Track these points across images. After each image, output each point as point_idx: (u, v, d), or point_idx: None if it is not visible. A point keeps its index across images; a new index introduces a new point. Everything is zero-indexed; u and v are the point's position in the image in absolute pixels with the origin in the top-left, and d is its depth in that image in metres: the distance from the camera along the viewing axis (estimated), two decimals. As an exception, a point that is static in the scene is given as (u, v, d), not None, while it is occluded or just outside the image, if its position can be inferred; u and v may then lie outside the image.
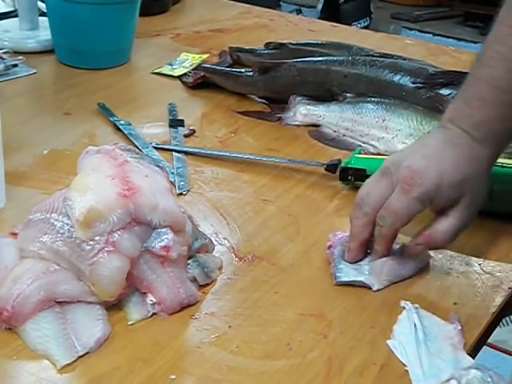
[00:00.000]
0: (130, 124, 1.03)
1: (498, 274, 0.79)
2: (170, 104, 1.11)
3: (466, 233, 0.77)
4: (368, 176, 0.91)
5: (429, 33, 3.21)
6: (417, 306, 0.71)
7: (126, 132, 1.01)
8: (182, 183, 0.90)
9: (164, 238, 0.68)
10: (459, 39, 3.13)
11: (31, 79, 1.18)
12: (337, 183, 0.93)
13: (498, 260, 0.81)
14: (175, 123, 1.06)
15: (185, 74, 1.21)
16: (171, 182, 0.88)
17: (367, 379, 0.64)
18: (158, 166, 0.76)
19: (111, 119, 1.04)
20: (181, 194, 0.88)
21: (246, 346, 0.66)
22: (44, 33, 1.28)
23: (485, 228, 0.85)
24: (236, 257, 0.78)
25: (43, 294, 0.65)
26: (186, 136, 1.03)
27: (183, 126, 1.05)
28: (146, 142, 0.99)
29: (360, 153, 0.95)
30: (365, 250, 0.77)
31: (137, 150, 0.80)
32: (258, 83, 1.14)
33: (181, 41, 1.39)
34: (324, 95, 1.10)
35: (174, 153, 0.97)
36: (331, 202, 0.90)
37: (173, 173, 0.92)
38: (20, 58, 1.20)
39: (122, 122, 1.03)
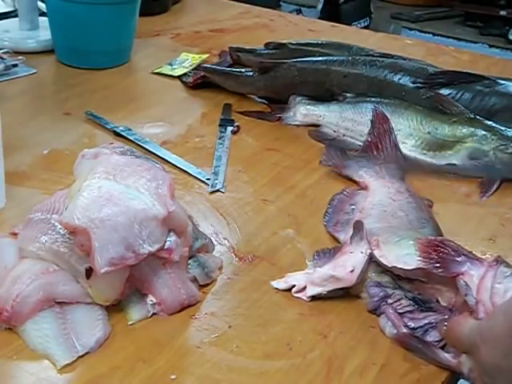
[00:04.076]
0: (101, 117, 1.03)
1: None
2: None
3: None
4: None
5: (429, 33, 3.20)
6: None
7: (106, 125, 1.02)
8: (216, 181, 0.91)
9: (167, 240, 0.68)
10: (459, 39, 3.12)
11: (31, 79, 1.18)
12: (337, 183, 0.93)
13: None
14: (225, 123, 1.06)
15: (185, 74, 1.21)
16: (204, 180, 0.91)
17: (367, 379, 0.64)
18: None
19: (99, 122, 1.04)
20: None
21: (246, 345, 0.66)
22: (44, 33, 1.28)
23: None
24: (236, 257, 0.78)
25: (42, 294, 0.65)
26: (233, 133, 1.04)
27: (232, 125, 1.06)
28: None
29: None
30: None
31: (136, 150, 0.80)
32: (258, 83, 1.14)
33: (181, 41, 1.39)
34: (324, 95, 1.10)
35: (215, 152, 0.98)
36: (331, 202, 0.90)
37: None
38: (20, 58, 1.20)
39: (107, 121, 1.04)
